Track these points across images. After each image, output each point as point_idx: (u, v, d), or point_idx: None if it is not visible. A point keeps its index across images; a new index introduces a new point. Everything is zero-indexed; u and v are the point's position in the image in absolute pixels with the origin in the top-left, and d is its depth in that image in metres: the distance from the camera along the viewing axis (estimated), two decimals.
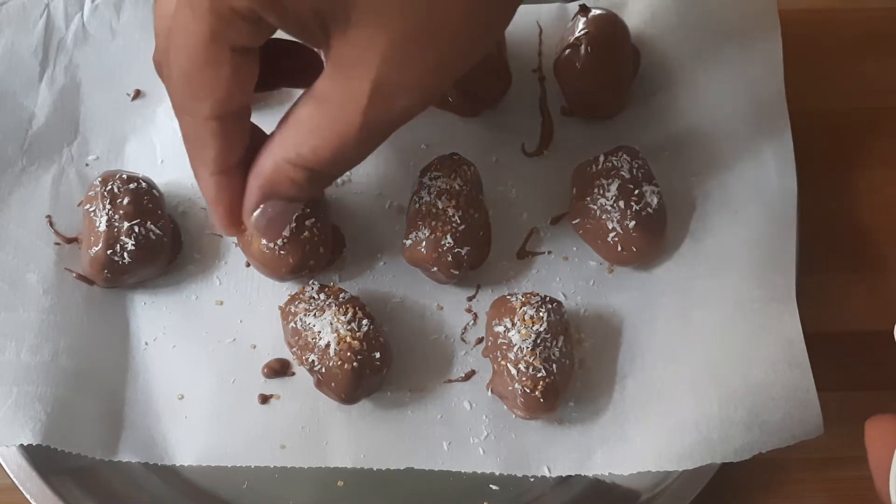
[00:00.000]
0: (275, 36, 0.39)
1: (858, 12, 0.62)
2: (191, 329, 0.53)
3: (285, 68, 0.43)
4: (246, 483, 0.50)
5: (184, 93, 0.38)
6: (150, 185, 0.53)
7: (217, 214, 0.42)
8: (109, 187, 0.51)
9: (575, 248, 0.55)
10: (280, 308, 0.52)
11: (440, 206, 0.51)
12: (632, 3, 0.59)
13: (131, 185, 0.52)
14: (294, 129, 0.39)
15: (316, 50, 0.44)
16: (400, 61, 0.36)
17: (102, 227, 0.50)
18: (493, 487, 0.50)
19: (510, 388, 0.48)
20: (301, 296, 0.51)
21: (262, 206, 0.41)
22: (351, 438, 0.50)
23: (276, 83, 0.44)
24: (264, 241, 0.51)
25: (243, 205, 0.41)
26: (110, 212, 0.51)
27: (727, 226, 0.53)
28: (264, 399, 0.51)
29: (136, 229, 0.51)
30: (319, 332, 0.49)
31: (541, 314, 0.49)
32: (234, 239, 0.54)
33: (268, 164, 0.39)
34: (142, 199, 0.52)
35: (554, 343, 0.48)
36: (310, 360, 0.49)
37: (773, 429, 0.47)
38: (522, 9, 0.59)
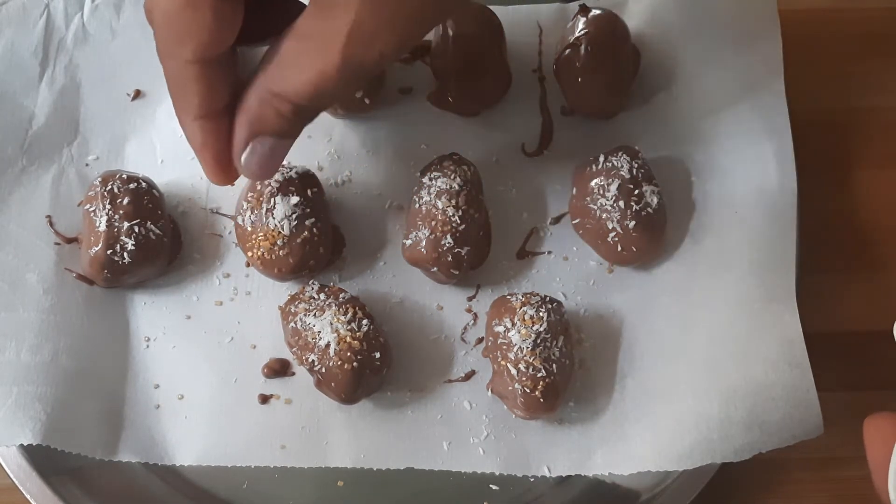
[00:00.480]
0: None
1: (858, 12, 0.62)
2: (191, 329, 0.53)
3: (272, 20, 0.43)
4: (246, 483, 0.50)
5: (167, 36, 0.39)
6: (150, 185, 0.53)
7: (205, 161, 0.42)
8: (109, 187, 0.51)
9: (575, 248, 0.55)
10: (280, 308, 0.52)
11: (440, 206, 0.51)
12: (632, 3, 0.59)
13: (131, 185, 0.52)
14: (277, 64, 0.40)
15: None
16: (379, 5, 0.37)
17: (102, 227, 0.50)
18: (493, 487, 0.50)
19: (510, 388, 0.48)
20: (301, 296, 0.51)
21: (251, 144, 0.41)
22: (351, 438, 0.50)
23: (263, 35, 0.44)
24: (262, 249, 0.51)
25: (233, 145, 0.42)
26: (110, 212, 0.51)
27: (727, 226, 0.53)
28: (264, 399, 0.51)
29: (136, 229, 0.51)
30: (319, 332, 0.49)
31: (541, 314, 0.49)
32: (235, 239, 0.54)
33: (253, 99, 0.40)
34: (142, 199, 0.52)
35: (554, 343, 0.48)
36: (310, 360, 0.49)
37: (773, 429, 0.47)
38: (522, 9, 0.60)
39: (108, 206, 0.51)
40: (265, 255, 0.51)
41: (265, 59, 0.40)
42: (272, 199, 0.51)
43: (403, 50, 0.41)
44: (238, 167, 0.42)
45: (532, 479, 0.50)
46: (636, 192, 0.52)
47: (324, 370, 0.48)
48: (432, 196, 0.51)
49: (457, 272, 0.51)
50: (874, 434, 0.39)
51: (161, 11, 0.39)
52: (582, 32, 0.55)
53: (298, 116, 0.41)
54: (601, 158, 0.53)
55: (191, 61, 0.39)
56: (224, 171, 0.43)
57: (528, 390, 0.47)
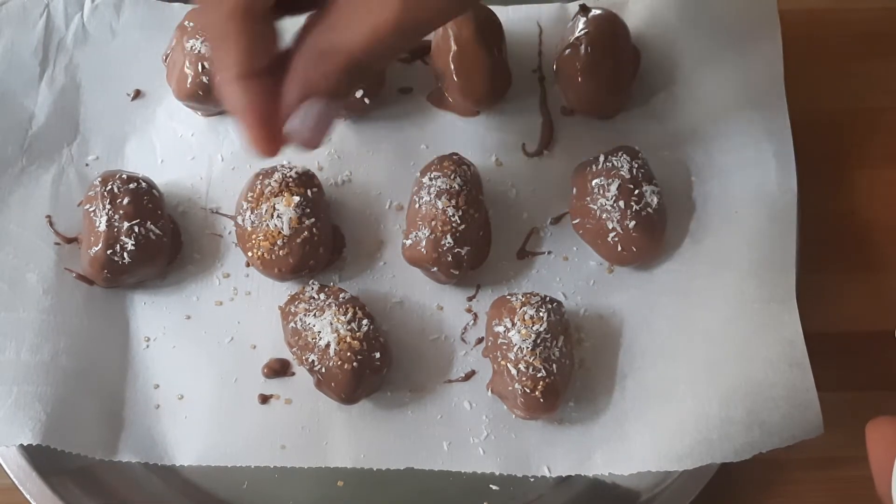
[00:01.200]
0: None
1: (858, 12, 0.62)
2: (191, 329, 0.53)
3: None
4: (246, 483, 0.50)
5: None
6: (150, 185, 0.53)
7: (248, 126, 0.39)
8: (109, 187, 0.51)
9: (575, 248, 0.55)
10: (280, 308, 0.52)
11: (440, 206, 0.51)
12: (632, 3, 0.59)
13: (131, 185, 0.52)
14: (328, 20, 0.38)
15: None
16: None
17: (102, 227, 0.50)
18: (493, 487, 0.50)
19: (510, 388, 0.48)
20: (301, 296, 0.51)
21: (302, 107, 0.39)
22: (351, 438, 0.50)
23: (303, 7, 0.42)
24: (262, 249, 0.51)
25: (281, 109, 0.39)
26: (110, 212, 0.51)
27: (727, 226, 0.53)
28: (264, 399, 0.51)
29: (136, 229, 0.51)
30: (319, 332, 0.49)
31: (541, 314, 0.49)
32: (235, 239, 0.54)
33: (304, 60, 0.39)
34: (142, 199, 0.52)
35: (554, 343, 0.48)
36: (310, 360, 0.49)
37: (773, 429, 0.47)
38: (522, 9, 0.60)
39: (108, 206, 0.51)
40: (265, 255, 0.51)
41: (312, 22, 0.39)
42: (272, 200, 0.51)
43: (459, 8, 0.40)
44: (287, 128, 0.40)
45: (532, 479, 0.50)
46: (636, 192, 0.52)
47: (324, 370, 0.48)
48: (432, 196, 0.51)
49: (457, 272, 0.51)
50: (877, 438, 0.39)
51: None
52: (582, 32, 0.55)
53: (350, 75, 0.39)
54: (601, 158, 0.53)
55: (232, 11, 0.37)
56: (269, 137, 0.40)
57: (528, 390, 0.47)
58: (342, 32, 0.38)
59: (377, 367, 0.49)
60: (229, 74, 0.39)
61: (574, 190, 0.54)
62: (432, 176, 0.52)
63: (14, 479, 0.48)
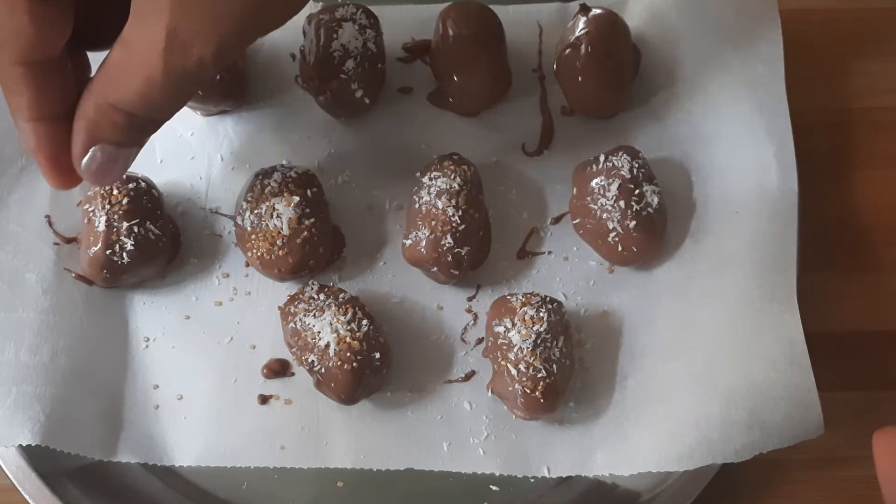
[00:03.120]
0: None
1: (858, 12, 0.62)
2: (190, 329, 0.53)
3: (118, 23, 0.41)
4: (245, 483, 0.50)
5: None
6: (150, 185, 0.53)
7: (40, 164, 0.41)
8: (109, 187, 0.51)
9: (575, 248, 0.54)
10: (280, 308, 0.52)
11: (440, 206, 0.51)
12: (632, 3, 0.59)
13: (131, 185, 0.52)
14: (106, 72, 0.39)
15: None
16: (189, 9, 0.36)
17: (101, 227, 0.50)
18: (493, 488, 0.50)
19: (510, 388, 0.48)
20: (301, 296, 0.51)
21: (91, 150, 0.40)
22: (351, 438, 0.50)
23: (110, 40, 0.41)
24: (262, 249, 0.51)
25: (72, 151, 0.40)
26: (109, 212, 0.51)
27: (727, 226, 0.53)
28: (264, 399, 0.51)
29: (136, 229, 0.51)
30: (319, 332, 0.49)
31: (541, 314, 0.49)
32: (234, 239, 0.54)
33: (89, 105, 0.39)
34: (141, 199, 0.52)
35: (554, 343, 0.48)
36: (309, 360, 0.49)
37: (774, 429, 0.47)
38: (522, 8, 0.60)
39: (107, 206, 0.51)
40: (265, 255, 0.51)
41: (101, 65, 0.39)
42: (272, 200, 0.51)
43: (225, 57, 0.38)
44: (77, 170, 0.41)
45: (532, 480, 0.50)
46: (636, 192, 0.52)
47: (323, 370, 0.48)
48: (432, 196, 0.51)
49: (457, 272, 0.51)
50: (884, 449, 0.38)
51: None
52: (582, 32, 0.55)
53: (134, 127, 0.40)
54: (601, 158, 0.53)
55: (13, 63, 0.38)
56: (61, 175, 0.41)
57: (528, 390, 0.47)
58: (119, 83, 0.38)
59: (377, 367, 0.49)
60: (19, 117, 0.40)
61: (574, 190, 0.54)
62: (432, 176, 0.52)
63: (13, 480, 0.48)
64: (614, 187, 0.51)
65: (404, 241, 0.52)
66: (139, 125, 0.40)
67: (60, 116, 0.40)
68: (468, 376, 0.52)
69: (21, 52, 0.38)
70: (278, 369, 0.52)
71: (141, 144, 0.42)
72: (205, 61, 0.37)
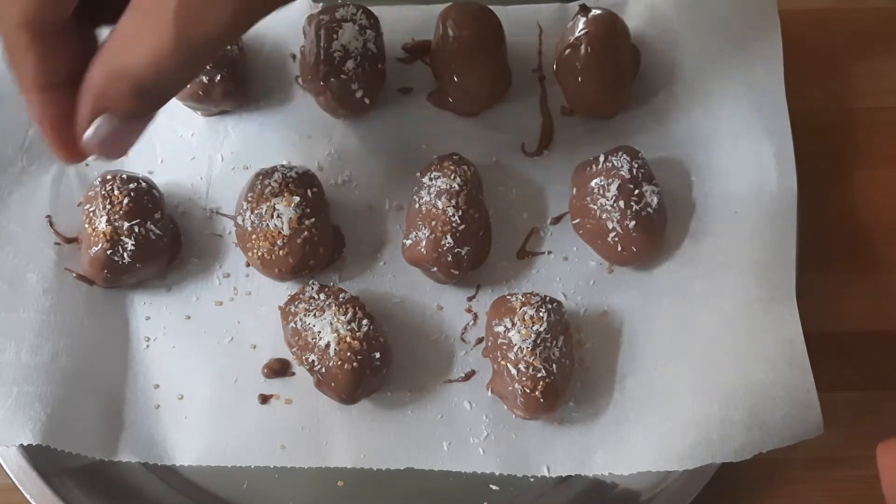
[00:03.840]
0: None
1: (858, 12, 0.62)
2: (191, 329, 0.53)
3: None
4: (246, 483, 0.50)
5: None
6: (150, 185, 0.53)
7: (45, 133, 0.40)
8: (109, 187, 0.51)
9: (575, 248, 0.55)
10: (280, 308, 0.52)
11: (440, 206, 0.51)
12: (632, 3, 0.59)
13: (131, 185, 0.52)
14: (116, 38, 0.38)
15: None
16: None
17: (102, 227, 0.50)
18: (493, 487, 0.50)
19: (510, 388, 0.48)
20: (301, 296, 0.51)
21: (96, 121, 0.39)
22: (351, 438, 0.50)
23: (109, 16, 0.41)
24: (262, 249, 0.51)
25: (77, 121, 0.39)
26: (110, 212, 0.51)
27: (727, 226, 0.53)
28: (264, 399, 0.51)
29: (136, 229, 0.51)
30: (319, 332, 0.49)
31: (541, 314, 0.49)
32: (235, 239, 0.54)
33: (96, 74, 0.38)
34: (142, 199, 0.52)
35: (554, 343, 0.48)
36: (310, 360, 0.49)
37: (774, 429, 0.47)
38: (522, 9, 0.60)
39: (107, 206, 0.51)
40: (265, 255, 0.51)
41: (111, 31, 0.38)
42: (272, 200, 0.51)
43: (237, 28, 0.37)
44: (80, 141, 0.39)
45: (532, 479, 0.50)
46: (636, 192, 0.52)
47: (324, 370, 0.48)
48: (432, 196, 0.51)
49: (457, 272, 0.51)
50: (889, 462, 0.38)
51: None
52: (582, 32, 0.55)
53: (142, 97, 0.38)
54: (601, 158, 0.53)
55: (19, 25, 0.37)
56: (67, 147, 0.40)
57: (528, 390, 0.47)
58: (127, 55, 0.37)
59: (377, 367, 0.49)
60: (24, 85, 0.39)
61: (574, 190, 0.54)
62: (432, 176, 0.52)
63: (14, 479, 0.48)
64: (614, 187, 0.52)
65: (404, 241, 0.52)
66: (146, 96, 0.39)
67: (67, 85, 0.39)
68: (468, 376, 0.52)
69: (29, 13, 0.37)
70: (279, 369, 0.52)
71: (146, 118, 0.40)
72: (217, 31, 0.37)
